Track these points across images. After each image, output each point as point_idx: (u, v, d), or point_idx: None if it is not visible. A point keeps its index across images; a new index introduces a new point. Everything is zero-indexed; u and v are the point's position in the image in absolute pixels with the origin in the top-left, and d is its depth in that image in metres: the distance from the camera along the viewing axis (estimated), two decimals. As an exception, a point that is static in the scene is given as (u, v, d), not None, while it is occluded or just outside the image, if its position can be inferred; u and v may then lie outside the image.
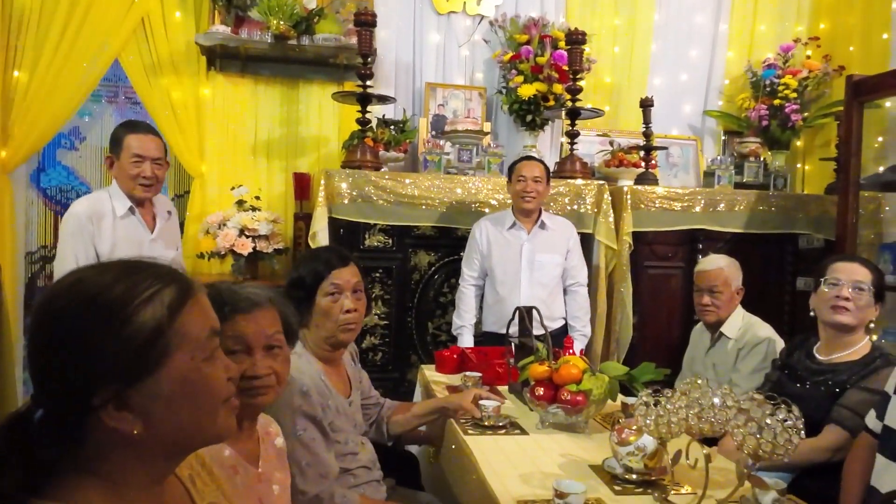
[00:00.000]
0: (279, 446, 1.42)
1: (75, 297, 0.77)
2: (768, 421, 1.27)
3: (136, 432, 0.76)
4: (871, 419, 1.81)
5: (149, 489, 0.80)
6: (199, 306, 0.83)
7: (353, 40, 3.43)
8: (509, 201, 3.41)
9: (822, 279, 2.13)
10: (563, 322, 3.11)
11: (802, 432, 1.29)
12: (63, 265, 2.42)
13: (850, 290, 2.05)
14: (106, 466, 0.77)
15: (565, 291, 3.14)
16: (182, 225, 3.81)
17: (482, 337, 3.16)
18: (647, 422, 1.49)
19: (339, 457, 1.79)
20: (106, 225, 2.44)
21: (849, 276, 2.08)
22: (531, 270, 3.04)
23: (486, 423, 2.03)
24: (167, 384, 0.77)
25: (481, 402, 2.06)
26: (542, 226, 3.09)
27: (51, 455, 0.75)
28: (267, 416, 1.47)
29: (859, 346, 2.08)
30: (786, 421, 1.27)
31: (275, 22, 3.46)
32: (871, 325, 2.09)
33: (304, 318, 1.82)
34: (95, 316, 0.75)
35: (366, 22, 3.28)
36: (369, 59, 3.34)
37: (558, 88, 3.73)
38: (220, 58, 3.69)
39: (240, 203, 3.53)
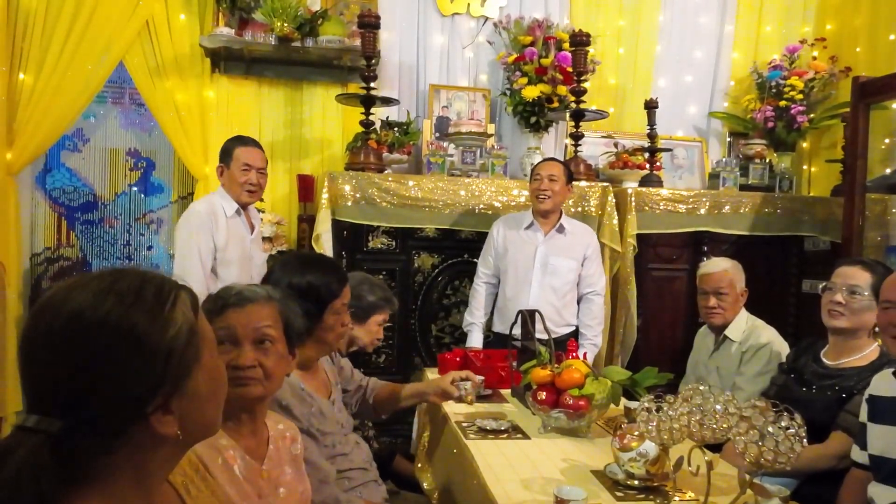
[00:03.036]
0: (295, 453, 1.42)
1: (114, 303, 0.74)
2: (770, 429, 1.26)
3: (178, 433, 0.77)
4: (856, 453, 1.80)
5: (145, 498, 0.80)
6: (200, 306, 0.84)
7: (357, 42, 3.43)
8: (513, 203, 3.43)
9: (824, 284, 2.15)
10: (573, 329, 3.08)
11: (805, 440, 1.28)
12: (187, 258, 2.63)
13: (843, 294, 2.06)
14: (104, 477, 0.75)
15: (581, 299, 3.11)
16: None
17: (491, 337, 3.16)
18: (650, 427, 1.48)
19: (329, 460, 1.78)
20: (221, 223, 2.69)
21: (844, 279, 2.09)
22: (543, 273, 3.02)
23: (467, 401, 2.02)
24: (201, 383, 0.80)
25: (459, 382, 2.10)
26: (561, 229, 3.06)
27: (73, 467, 0.73)
28: (288, 422, 1.47)
29: (867, 351, 2.06)
30: (788, 429, 1.26)
31: (279, 24, 3.47)
32: (877, 330, 2.08)
33: (311, 329, 1.79)
34: (143, 320, 0.74)
35: (369, 24, 3.28)
36: (373, 61, 3.33)
37: (562, 90, 3.72)
38: (224, 60, 3.70)
39: (243, 205, 3.53)
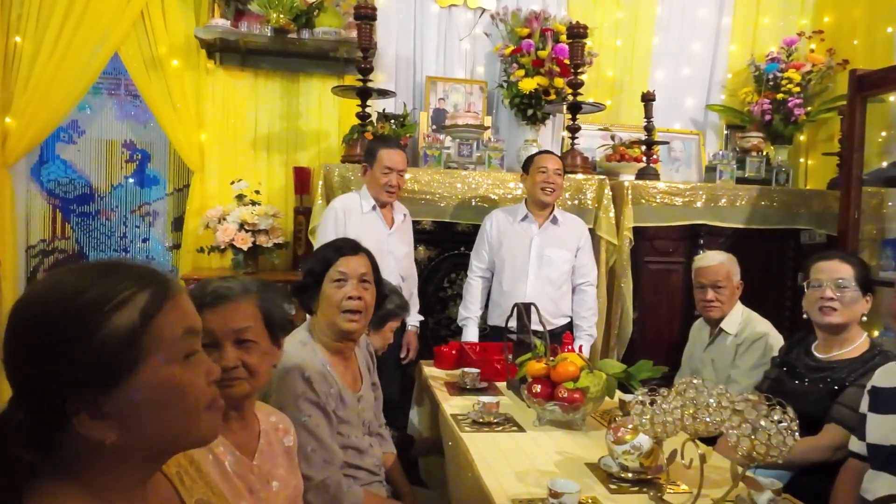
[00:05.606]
0: (288, 445, 1.41)
1: (51, 300, 0.75)
2: (763, 422, 1.26)
3: (109, 441, 0.74)
4: (854, 443, 1.81)
5: (131, 492, 0.80)
6: (177, 308, 0.80)
7: (354, 34, 3.41)
8: (510, 196, 3.42)
9: (807, 281, 2.14)
10: (569, 319, 3.10)
11: (797, 434, 1.28)
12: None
13: (832, 289, 2.06)
14: (85, 471, 0.76)
15: (574, 290, 3.12)
16: (182, 219, 3.82)
17: (487, 330, 3.17)
18: (643, 421, 1.48)
19: (341, 448, 1.79)
20: (353, 218, 2.89)
21: (829, 275, 2.08)
22: (539, 265, 3.03)
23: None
24: (142, 391, 0.75)
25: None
26: (554, 221, 3.08)
27: (31, 458, 0.73)
28: (280, 413, 1.47)
29: (857, 344, 2.07)
30: (780, 422, 1.26)
31: (274, 15, 3.45)
32: (864, 319, 2.08)
33: (313, 305, 1.87)
34: (68, 321, 0.73)
35: (366, 15, 3.26)
36: (369, 53, 3.32)
37: (559, 82, 3.71)
38: (220, 51, 3.68)
39: (240, 197, 3.53)
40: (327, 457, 1.67)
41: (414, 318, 3.10)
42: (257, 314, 1.32)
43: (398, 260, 2.96)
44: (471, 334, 3.10)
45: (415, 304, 3.11)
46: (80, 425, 0.73)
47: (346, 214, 2.88)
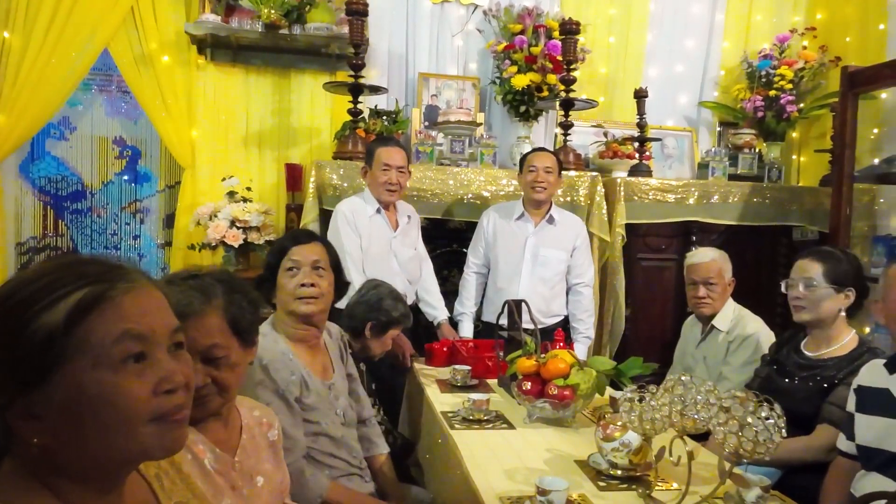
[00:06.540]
0: (273, 439, 1.40)
1: (4, 292, 0.76)
2: (750, 419, 1.26)
3: (36, 442, 0.73)
4: (842, 442, 1.82)
5: (102, 497, 0.78)
6: (115, 310, 0.75)
7: (345, 30, 3.39)
8: (502, 193, 3.41)
9: (786, 280, 2.20)
10: (561, 319, 3.10)
11: (784, 430, 1.28)
12: (343, 251, 2.64)
13: (801, 288, 2.11)
14: (49, 474, 0.75)
15: (570, 291, 3.12)
16: (173, 216, 3.80)
17: (480, 327, 3.17)
18: (632, 418, 1.48)
19: (312, 436, 1.79)
20: (362, 221, 2.87)
21: (799, 274, 2.14)
22: (534, 264, 3.03)
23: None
24: (65, 394, 0.72)
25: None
26: (551, 220, 3.07)
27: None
28: (265, 408, 1.45)
29: (846, 341, 2.07)
30: (768, 419, 1.26)
31: (266, 11, 3.43)
32: (842, 314, 2.09)
33: (271, 296, 1.87)
34: (3, 315, 0.74)
35: (358, 11, 3.24)
36: (361, 49, 3.30)
37: (552, 79, 3.70)
38: (211, 47, 3.66)
39: (231, 194, 3.51)
40: (289, 445, 1.67)
41: (442, 314, 3.10)
42: (223, 326, 1.25)
43: (402, 263, 2.94)
44: (465, 330, 3.11)
45: (439, 299, 3.13)
46: (11, 421, 0.73)
47: (356, 216, 2.85)
